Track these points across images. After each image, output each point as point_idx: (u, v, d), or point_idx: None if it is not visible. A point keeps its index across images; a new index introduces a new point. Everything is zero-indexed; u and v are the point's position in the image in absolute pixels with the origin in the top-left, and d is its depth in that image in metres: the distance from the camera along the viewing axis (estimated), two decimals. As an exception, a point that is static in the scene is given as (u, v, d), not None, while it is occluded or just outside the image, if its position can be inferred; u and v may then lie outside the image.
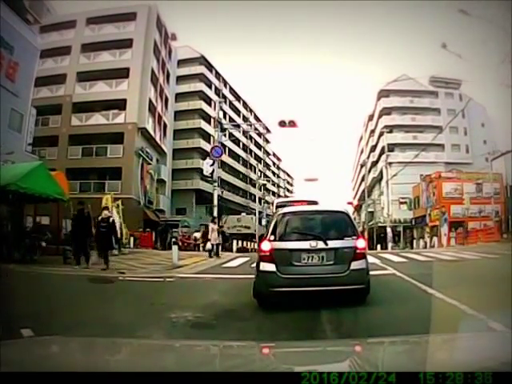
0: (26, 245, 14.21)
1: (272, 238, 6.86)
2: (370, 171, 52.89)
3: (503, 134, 37.68)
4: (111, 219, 12.87)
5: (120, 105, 33.84)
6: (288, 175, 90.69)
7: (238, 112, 59.37)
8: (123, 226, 20.15)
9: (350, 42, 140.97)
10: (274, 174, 79.53)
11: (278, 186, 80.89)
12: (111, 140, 33.73)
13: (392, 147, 47.60)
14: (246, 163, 60.64)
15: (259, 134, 61.80)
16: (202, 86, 49.85)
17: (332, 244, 6.65)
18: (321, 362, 2.04)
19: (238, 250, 28.22)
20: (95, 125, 33.57)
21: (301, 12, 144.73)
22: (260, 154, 67.44)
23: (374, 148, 55.84)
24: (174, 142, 45.66)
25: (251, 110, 65.18)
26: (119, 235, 19.46)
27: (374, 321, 5.88)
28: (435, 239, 32.87)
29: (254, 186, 56.72)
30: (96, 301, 7.95)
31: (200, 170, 36.34)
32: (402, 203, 45.15)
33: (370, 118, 59.24)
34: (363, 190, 53.09)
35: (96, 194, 24.41)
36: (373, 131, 56.36)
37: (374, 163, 54.41)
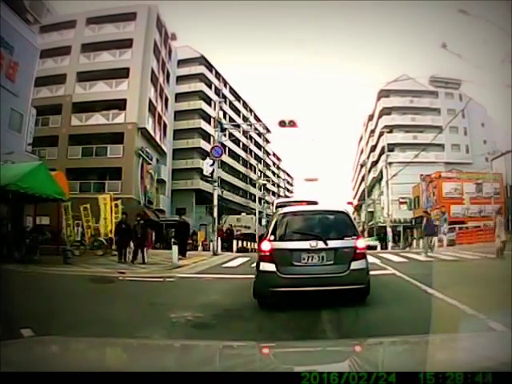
0: (26, 245, 14.21)
1: (272, 238, 6.85)
2: (370, 171, 52.93)
3: (503, 134, 37.64)
4: None
5: (120, 105, 33.83)
6: (288, 175, 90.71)
7: (238, 112, 59.37)
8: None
9: (350, 41, 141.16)
10: (274, 174, 79.53)
11: (278, 186, 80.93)
12: (111, 140, 33.71)
13: (392, 147, 47.58)
14: (246, 163, 60.63)
15: (259, 134, 61.79)
16: (202, 86, 49.85)
17: (332, 244, 6.64)
18: (321, 362, 2.04)
19: (238, 250, 28.22)
20: (95, 125, 33.55)
21: (301, 12, 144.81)
22: (260, 154, 67.43)
23: (374, 148, 55.85)
24: (173, 142, 45.64)
25: (251, 110, 65.17)
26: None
27: (374, 321, 5.88)
28: (435, 239, 32.81)
29: (254, 185, 56.72)
30: (96, 301, 7.95)
31: (200, 170, 36.34)
32: (401, 203, 45.13)
33: (370, 118, 59.24)
34: (363, 190, 53.14)
35: (96, 194, 24.39)
36: (373, 131, 56.36)
37: (374, 163, 54.41)
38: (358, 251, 6.70)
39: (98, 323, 5.82)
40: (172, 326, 5.93)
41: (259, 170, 59.02)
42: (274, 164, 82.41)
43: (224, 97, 50.20)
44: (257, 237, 34.71)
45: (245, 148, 60.48)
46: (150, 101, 35.37)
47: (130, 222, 16.20)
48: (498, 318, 4.47)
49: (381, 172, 48.66)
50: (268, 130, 47.38)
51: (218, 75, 54.53)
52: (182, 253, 16.16)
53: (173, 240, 15.28)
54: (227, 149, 47.72)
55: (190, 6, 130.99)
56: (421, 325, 4.37)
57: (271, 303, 6.83)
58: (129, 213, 17.53)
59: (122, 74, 33.99)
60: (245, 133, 50.91)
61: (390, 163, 42.47)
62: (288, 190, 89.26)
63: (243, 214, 46.73)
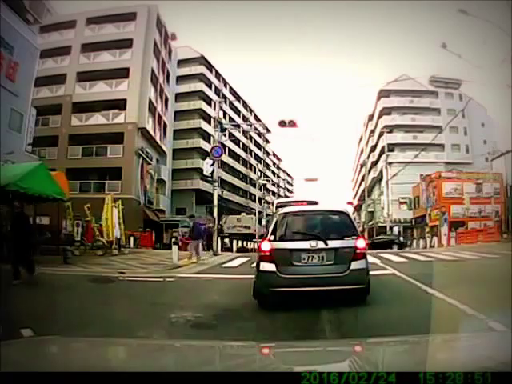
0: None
1: (272, 238, 6.85)
2: (370, 171, 52.92)
3: (503, 134, 37.74)
4: None
5: (120, 105, 33.83)
6: (288, 175, 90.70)
7: (238, 112, 59.35)
8: (121, 225, 20.16)
9: (350, 41, 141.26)
10: (274, 174, 79.52)
11: (278, 186, 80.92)
12: (111, 140, 33.71)
13: (392, 147, 47.62)
14: (246, 163, 60.62)
15: (259, 134, 61.79)
16: (201, 86, 49.86)
17: (332, 244, 6.64)
18: (321, 362, 2.04)
19: (238, 250, 28.24)
20: (95, 125, 33.55)
21: (301, 12, 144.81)
22: (260, 154, 67.43)
23: (374, 148, 55.86)
24: (174, 142, 45.66)
25: (251, 110, 65.17)
26: (118, 235, 19.52)
27: (375, 321, 5.88)
28: (435, 239, 32.84)
29: (254, 186, 56.70)
30: (96, 301, 7.95)
31: (200, 170, 36.34)
32: (402, 203, 45.18)
33: (370, 117, 59.25)
34: (363, 190, 53.12)
35: (96, 194, 24.41)
36: (373, 131, 56.37)
37: (374, 163, 54.43)
38: (358, 251, 6.70)
39: (99, 323, 5.82)
40: (172, 326, 5.94)
41: (259, 170, 59.01)
42: (274, 164, 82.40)
43: (224, 97, 50.18)
44: (257, 237, 34.72)
45: (245, 148, 60.46)
46: (150, 101, 35.37)
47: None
48: (497, 318, 4.48)
49: (381, 172, 48.71)
50: (268, 130, 47.36)
51: (218, 75, 54.53)
52: (29, 268, 9.69)
53: (173, 240, 15.31)
54: (227, 149, 47.71)
55: (190, 6, 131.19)
56: (421, 325, 4.37)
57: (271, 303, 6.83)
58: (130, 212, 17.46)
59: (122, 74, 33.98)
60: (245, 133, 50.92)
61: (390, 163, 42.55)
62: (288, 190, 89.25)
63: (243, 213, 46.72)
